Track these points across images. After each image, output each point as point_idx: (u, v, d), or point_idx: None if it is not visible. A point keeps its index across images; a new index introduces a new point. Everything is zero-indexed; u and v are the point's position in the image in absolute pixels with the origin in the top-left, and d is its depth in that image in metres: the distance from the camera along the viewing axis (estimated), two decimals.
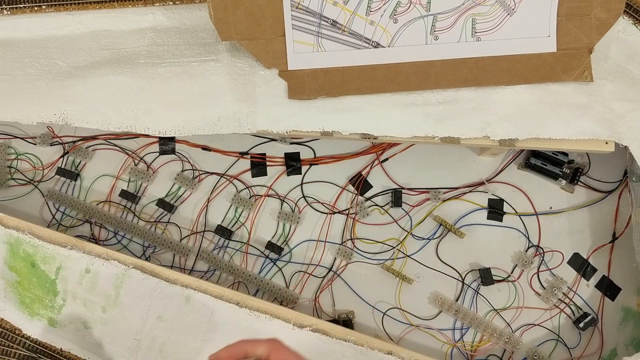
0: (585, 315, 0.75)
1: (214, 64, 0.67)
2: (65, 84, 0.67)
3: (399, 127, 0.67)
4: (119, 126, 0.66)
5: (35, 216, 0.77)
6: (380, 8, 0.65)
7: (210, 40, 0.68)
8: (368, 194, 0.78)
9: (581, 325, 0.74)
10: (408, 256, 0.77)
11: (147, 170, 0.77)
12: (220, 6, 0.63)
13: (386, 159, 0.79)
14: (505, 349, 0.75)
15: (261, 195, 0.78)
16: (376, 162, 0.78)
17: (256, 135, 0.77)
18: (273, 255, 0.77)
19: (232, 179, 0.78)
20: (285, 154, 0.79)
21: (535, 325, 0.76)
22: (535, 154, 0.77)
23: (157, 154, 0.78)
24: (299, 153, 0.79)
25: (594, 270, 0.77)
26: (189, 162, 0.78)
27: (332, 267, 0.76)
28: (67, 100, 0.66)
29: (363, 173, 0.78)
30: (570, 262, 0.77)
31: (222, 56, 0.68)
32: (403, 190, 0.78)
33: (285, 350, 0.51)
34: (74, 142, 0.78)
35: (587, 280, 0.77)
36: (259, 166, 0.78)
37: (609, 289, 0.77)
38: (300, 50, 0.65)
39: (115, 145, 0.78)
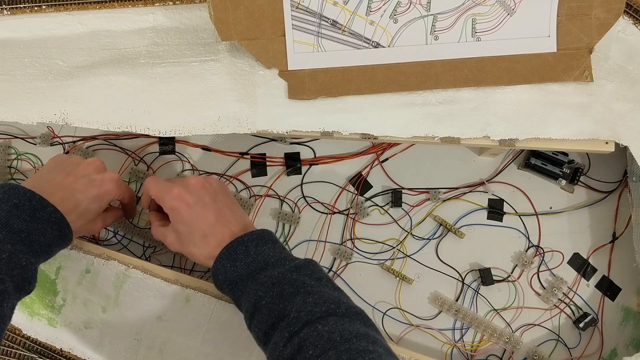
0: (585, 315, 0.75)
1: (214, 64, 0.67)
2: (65, 84, 0.67)
3: (399, 127, 0.67)
4: (119, 126, 0.66)
5: None
6: (380, 8, 0.65)
7: (210, 40, 0.68)
8: (368, 194, 0.78)
9: (581, 325, 0.74)
10: (408, 256, 0.76)
11: (147, 170, 0.77)
12: (220, 6, 0.63)
13: (386, 159, 0.79)
14: (505, 349, 0.75)
15: (261, 196, 0.77)
16: (376, 162, 0.78)
17: (256, 135, 0.77)
18: None
19: (232, 179, 0.78)
20: (285, 154, 0.78)
21: (535, 325, 0.76)
22: (535, 154, 0.77)
23: (157, 154, 0.78)
24: (299, 153, 0.79)
25: (594, 270, 0.77)
26: (189, 162, 0.78)
27: (332, 267, 0.76)
28: (67, 100, 0.66)
29: (363, 173, 0.78)
30: (570, 262, 0.77)
31: (222, 56, 0.68)
32: (403, 190, 0.78)
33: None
34: (74, 142, 0.78)
35: (587, 280, 0.77)
36: (259, 166, 0.78)
37: (609, 289, 0.77)
38: (300, 50, 0.65)
39: (115, 145, 0.78)
